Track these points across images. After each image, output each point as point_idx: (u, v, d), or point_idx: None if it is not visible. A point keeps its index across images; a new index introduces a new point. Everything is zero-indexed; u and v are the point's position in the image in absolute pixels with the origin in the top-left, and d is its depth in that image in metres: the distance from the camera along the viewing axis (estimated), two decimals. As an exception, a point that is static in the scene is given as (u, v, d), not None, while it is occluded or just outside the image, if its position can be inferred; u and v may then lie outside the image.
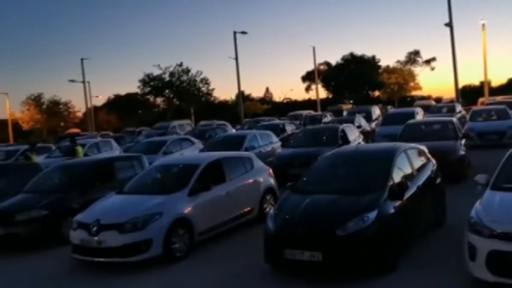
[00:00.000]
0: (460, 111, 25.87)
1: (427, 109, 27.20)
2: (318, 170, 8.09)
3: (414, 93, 67.39)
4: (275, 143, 17.70)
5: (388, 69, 65.63)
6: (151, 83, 55.83)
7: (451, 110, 25.14)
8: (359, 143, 15.86)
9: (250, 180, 9.99)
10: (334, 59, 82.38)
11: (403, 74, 64.86)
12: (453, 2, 34.76)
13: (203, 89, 56.92)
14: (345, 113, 33.14)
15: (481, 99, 37.78)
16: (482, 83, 51.14)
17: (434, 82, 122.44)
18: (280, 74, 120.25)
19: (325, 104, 55.41)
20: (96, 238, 7.69)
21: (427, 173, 8.17)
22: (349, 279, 6.28)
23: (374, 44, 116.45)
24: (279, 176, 11.24)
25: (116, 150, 21.29)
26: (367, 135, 20.91)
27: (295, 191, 7.37)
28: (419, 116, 22.02)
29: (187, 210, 8.24)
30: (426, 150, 8.82)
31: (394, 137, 14.10)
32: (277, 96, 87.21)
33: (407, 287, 6.10)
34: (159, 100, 59.81)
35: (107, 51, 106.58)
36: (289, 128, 23.99)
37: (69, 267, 8.08)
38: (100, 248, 7.68)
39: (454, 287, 5.96)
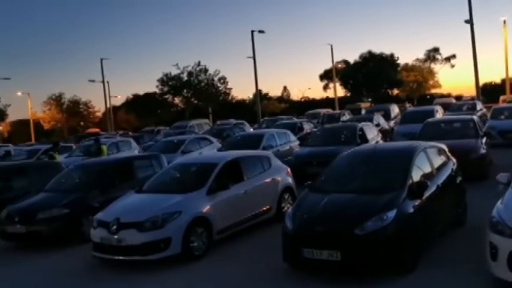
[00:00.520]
0: (480, 109, 25.52)
1: (447, 107, 26.87)
2: (337, 168, 8.05)
3: (434, 91, 66.60)
4: (293, 142, 17.68)
5: (406, 67, 64.92)
6: (170, 83, 56.33)
7: (472, 108, 24.83)
8: (377, 141, 15.75)
9: (268, 179, 10.00)
10: (352, 57, 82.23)
11: (422, 72, 64.09)
12: (473, -1, 34.31)
13: (221, 88, 57.20)
14: (363, 112, 32.89)
15: (502, 97, 37.24)
16: (503, 81, 50.33)
17: (454, 80, 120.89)
18: (297, 73, 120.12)
19: (343, 102, 55.15)
20: (116, 236, 7.77)
21: (447, 172, 8.07)
22: (368, 279, 6.25)
23: (392, 41, 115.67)
24: (296, 175, 11.22)
25: (135, 150, 21.50)
26: (386, 134, 20.74)
27: (314, 190, 7.35)
28: (439, 114, 21.75)
29: (206, 209, 8.29)
30: (446, 149, 8.72)
31: (412, 135, 13.97)
32: (295, 95, 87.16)
33: (426, 287, 6.05)
34: (177, 99, 60.34)
35: (126, 51, 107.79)
36: (307, 127, 23.93)
37: (90, 264, 8.19)
38: (120, 246, 7.76)
39: (475, 287, 5.89)
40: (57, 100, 63.13)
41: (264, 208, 9.62)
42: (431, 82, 65.48)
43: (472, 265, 6.37)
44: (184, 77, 55.90)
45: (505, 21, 43.70)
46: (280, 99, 78.59)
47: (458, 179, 8.43)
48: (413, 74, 63.17)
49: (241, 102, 68.80)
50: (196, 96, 56.50)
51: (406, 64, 65.87)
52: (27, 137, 53.84)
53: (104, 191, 10.15)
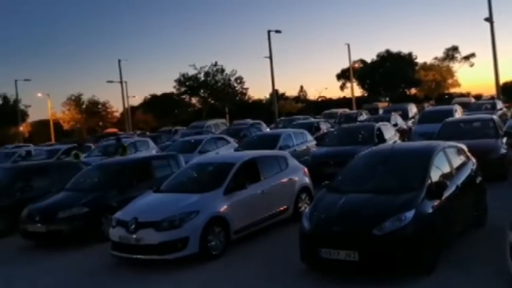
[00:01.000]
0: (500, 109, 25.16)
1: (466, 106, 26.53)
2: (354, 168, 8.01)
3: (453, 90, 65.76)
4: (310, 142, 17.64)
5: (425, 66, 64.18)
6: (187, 83, 56.59)
7: (492, 108, 24.48)
8: (395, 141, 15.62)
9: (285, 179, 9.99)
10: (370, 56, 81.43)
11: (440, 71, 63.32)
12: (493, -4, 33.81)
13: (237, 88, 57.27)
14: (380, 111, 32.68)
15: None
16: (524, 79, 49.48)
17: (473, 79, 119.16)
18: (314, 72, 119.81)
19: (360, 102, 54.82)
20: (134, 236, 7.83)
21: (466, 172, 7.98)
22: (386, 279, 6.21)
23: (411, 40, 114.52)
24: (314, 175, 11.20)
25: (153, 150, 21.67)
26: (404, 134, 20.58)
27: (331, 190, 7.33)
28: (458, 113, 21.48)
29: (223, 208, 8.32)
30: (466, 149, 8.62)
31: (430, 135, 13.82)
32: (312, 95, 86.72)
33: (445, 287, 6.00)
34: (194, 100, 60.57)
35: (144, 51, 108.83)
36: (324, 127, 23.86)
37: (108, 263, 8.28)
38: (138, 245, 7.82)
39: (495, 289, 5.83)
40: (76, 101, 63.86)
41: (281, 208, 9.62)
42: (450, 81, 64.63)
43: (492, 266, 6.28)
44: (201, 77, 56.12)
45: (525, 19, 42.99)
46: (296, 99, 78.38)
47: (478, 179, 8.33)
48: (431, 73, 62.44)
49: (258, 102, 68.75)
50: (213, 96, 56.68)
51: (425, 63, 65.17)
52: (47, 137, 54.58)
53: (122, 191, 10.25)
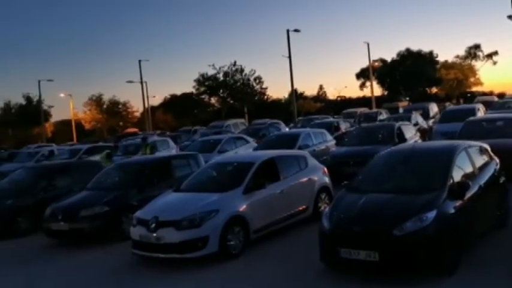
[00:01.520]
0: (525, 107, 24.61)
1: (489, 105, 26.08)
2: (374, 168, 7.95)
3: (475, 89, 64.80)
4: (329, 142, 17.57)
5: (446, 65, 63.35)
6: (206, 83, 56.79)
7: (515, 106, 23.98)
8: (416, 141, 15.46)
9: (305, 179, 9.97)
10: (390, 55, 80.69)
11: (462, 69, 62.44)
12: (517, -7, 33.14)
13: (256, 88, 57.26)
14: (401, 110, 32.34)
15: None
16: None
17: (496, 77, 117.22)
18: (333, 72, 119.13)
19: (380, 101, 54.31)
20: (154, 234, 7.90)
21: (489, 172, 7.86)
22: (406, 280, 6.15)
23: (431, 39, 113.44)
24: (333, 174, 11.15)
25: (173, 149, 21.82)
26: (424, 133, 20.33)
27: (351, 190, 7.29)
28: (480, 112, 21.13)
29: (243, 208, 8.34)
30: (489, 149, 8.49)
31: (452, 135, 13.63)
32: (331, 94, 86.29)
33: (468, 289, 5.92)
34: (213, 99, 60.79)
35: (164, 52, 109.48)
36: (344, 126, 23.73)
37: (129, 262, 8.37)
38: (158, 244, 7.89)
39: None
40: (97, 101, 64.67)
41: (301, 208, 9.60)
42: (472, 80, 63.73)
43: (515, 268, 6.19)
44: (221, 77, 56.27)
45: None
46: (316, 98, 78.08)
47: (502, 180, 8.20)
48: (453, 71, 61.62)
49: (277, 102, 68.68)
50: (232, 96, 56.79)
51: (446, 61, 64.32)
52: (69, 137, 55.37)
53: (143, 190, 10.34)
